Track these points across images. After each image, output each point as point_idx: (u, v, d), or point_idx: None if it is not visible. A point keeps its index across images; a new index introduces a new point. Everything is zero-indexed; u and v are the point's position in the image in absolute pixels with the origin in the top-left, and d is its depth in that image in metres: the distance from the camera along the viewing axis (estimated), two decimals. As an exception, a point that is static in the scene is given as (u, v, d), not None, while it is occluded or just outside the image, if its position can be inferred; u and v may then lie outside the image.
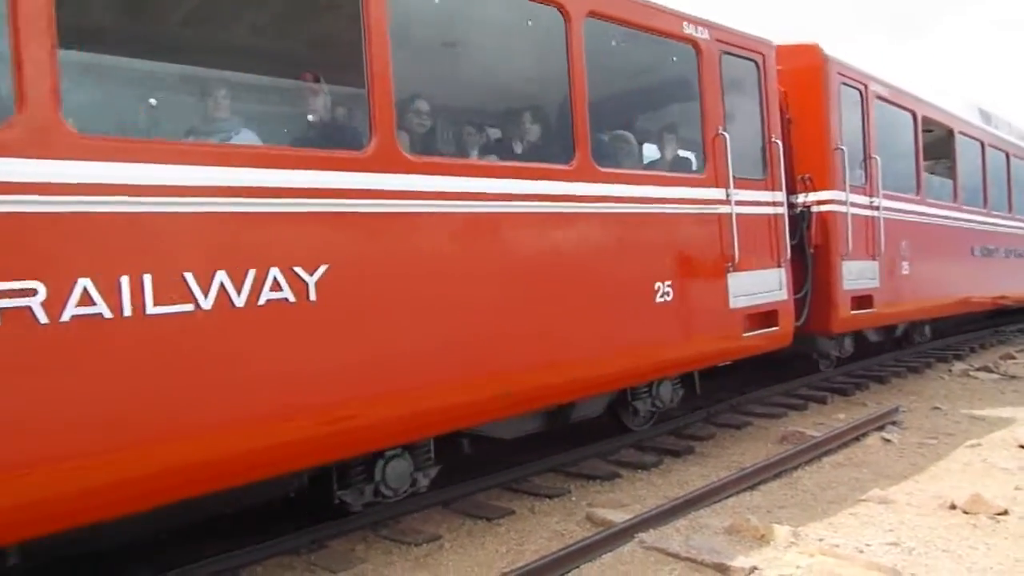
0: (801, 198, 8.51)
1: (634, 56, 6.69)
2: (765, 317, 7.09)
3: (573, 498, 5.53)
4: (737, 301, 6.67)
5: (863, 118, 9.17)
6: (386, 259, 4.25)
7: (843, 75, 8.74)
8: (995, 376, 10.22)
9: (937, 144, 11.41)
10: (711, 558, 4.15)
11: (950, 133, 11.57)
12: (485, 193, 4.86)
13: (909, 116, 10.35)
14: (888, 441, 6.81)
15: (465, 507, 5.29)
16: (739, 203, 6.73)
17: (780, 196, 7.45)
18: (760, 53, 7.38)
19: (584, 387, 5.69)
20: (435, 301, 4.50)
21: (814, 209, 8.48)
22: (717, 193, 6.58)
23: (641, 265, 5.83)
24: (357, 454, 4.47)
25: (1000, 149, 13.35)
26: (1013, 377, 10.07)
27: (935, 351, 11.97)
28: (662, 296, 5.89)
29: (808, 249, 8.42)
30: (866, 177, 9.11)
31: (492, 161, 5.60)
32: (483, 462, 5.94)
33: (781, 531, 4.45)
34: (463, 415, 4.84)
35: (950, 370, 10.81)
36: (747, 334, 6.83)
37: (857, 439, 6.84)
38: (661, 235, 6.04)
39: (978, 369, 10.63)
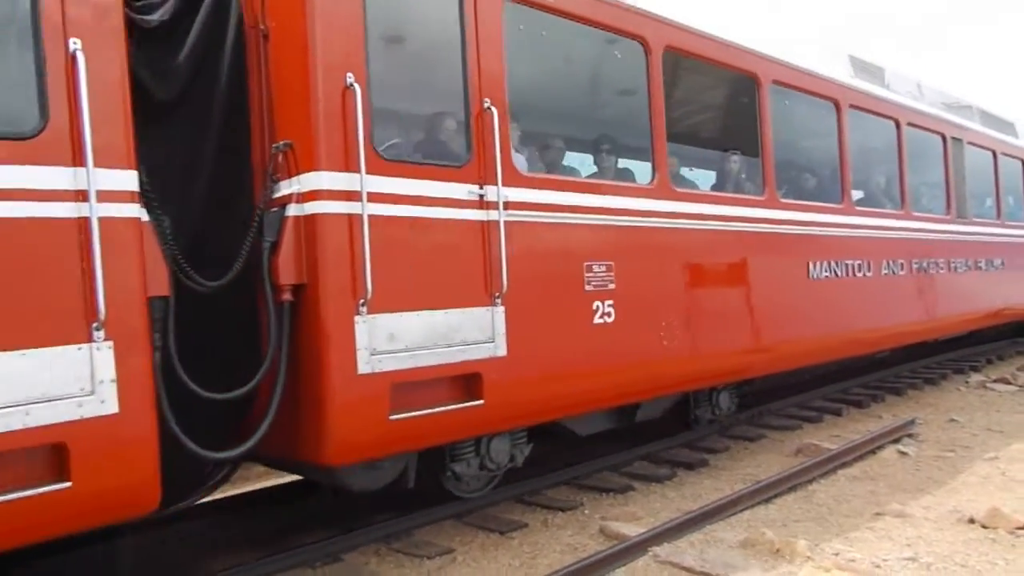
0: (282, 190, 4.26)
1: None
2: (33, 467, 3.06)
3: (586, 511, 5.51)
4: None
5: (464, 31, 4.77)
6: None
7: None
8: (1013, 388, 10.11)
9: (742, 104, 7.32)
10: (726, 572, 4.13)
11: (756, 85, 7.13)
12: None
13: (637, 48, 5.92)
14: (904, 454, 6.76)
15: (478, 520, 5.28)
16: None
17: (84, 178, 3.19)
18: None
19: None
20: None
21: (291, 212, 4.17)
22: None
23: None
24: None
25: (885, 116, 9.02)
26: (1031, 389, 9.97)
27: (951, 363, 11.87)
28: None
29: (274, 294, 4.13)
30: (470, 147, 4.80)
31: None
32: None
33: (797, 545, 4.41)
34: None
35: (967, 382, 10.71)
36: None
37: (873, 452, 6.78)
38: None
39: (995, 381, 10.53)
